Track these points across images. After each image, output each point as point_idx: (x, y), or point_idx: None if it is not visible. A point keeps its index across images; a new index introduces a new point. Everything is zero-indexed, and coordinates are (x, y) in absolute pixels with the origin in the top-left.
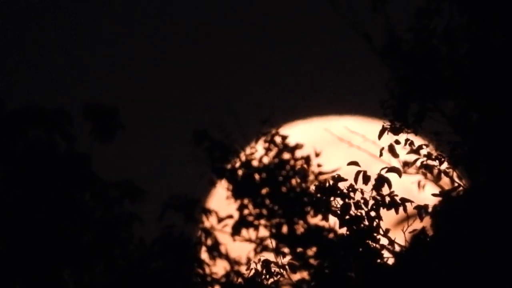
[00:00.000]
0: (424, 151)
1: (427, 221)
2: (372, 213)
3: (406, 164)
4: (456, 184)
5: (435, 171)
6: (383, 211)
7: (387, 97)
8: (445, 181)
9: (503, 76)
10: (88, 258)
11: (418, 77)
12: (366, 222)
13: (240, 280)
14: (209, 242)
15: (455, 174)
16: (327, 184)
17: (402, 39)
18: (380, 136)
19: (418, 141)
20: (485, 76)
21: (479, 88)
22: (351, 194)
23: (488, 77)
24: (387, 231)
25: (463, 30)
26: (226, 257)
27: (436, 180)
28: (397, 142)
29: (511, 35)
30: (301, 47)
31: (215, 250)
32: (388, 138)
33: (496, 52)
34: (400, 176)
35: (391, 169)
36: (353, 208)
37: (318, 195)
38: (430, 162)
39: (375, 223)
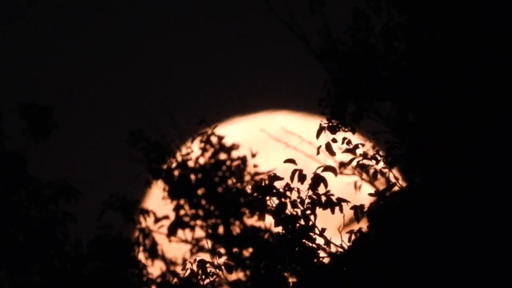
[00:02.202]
0: (360, 151)
1: (364, 221)
2: (308, 212)
3: (342, 165)
4: (391, 184)
5: (371, 170)
6: (321, 212)
7: (324, 96)
8: (381, 181)
9: (440, 77)
10: (23, 258)
11: (355, 78)
12: (303, 222)
13: (176, 280)
14: (146, 242)
15: (391, 174)
16: (263, 183)
17: (339, 40)
18: (318, 135)
19: (355, 140)
20: (422, 77)
21: (416, 89)
22: (288, 193)
23: (425, 78)
24: (323, 230)
25: (401, 30)
26: (162, 257)
27: (372, 180)
28: (334, 140)
29: (450, 36)
30: (238, 47)
31: (152, 251)
32: (325, 137)
33: (434, 52)
34: (336, 175)
35: (327, 168)
36: (289, 207)
37: (254, 194)
38: (366, 161)
39: (310, 223)
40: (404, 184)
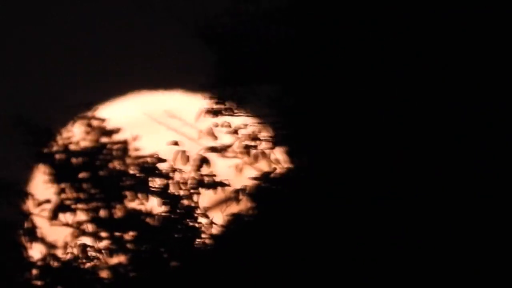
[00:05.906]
0: (243, 132)
1: (246, 203)
2: (192, 191)
3: (226, 147)
4: (275, 166)
5: (255, 153)
6: (203, 192)
7: (207, 80)
8: (265, 163)
9: (316, 61)
10: None
11: (236, 60)
12: (186, 202)
13: (57, 264)
14: (27, 225)
15: (274, 156)
16: (147, 164)
17: (219, 23)
18: (198, 119)
19: (238, 123)
20: (300, 61)
21: (293, 72)
22: (171, 174)
23: (302, 62)
24: (205, 209)
25: (281, 14)
26: (43, 241)
27: (255, 162)
28: (216, 124)
29: (329, 21)
30: (117, 26)
31: (32, 234)
32: (208, 120)
33: (313, 37)
34: (220, 154)
35: (210, 149)
36: (172, 188)
37: (137, 174)
38: (249, 143)
39: (193, 203)
40: (287, 166)
